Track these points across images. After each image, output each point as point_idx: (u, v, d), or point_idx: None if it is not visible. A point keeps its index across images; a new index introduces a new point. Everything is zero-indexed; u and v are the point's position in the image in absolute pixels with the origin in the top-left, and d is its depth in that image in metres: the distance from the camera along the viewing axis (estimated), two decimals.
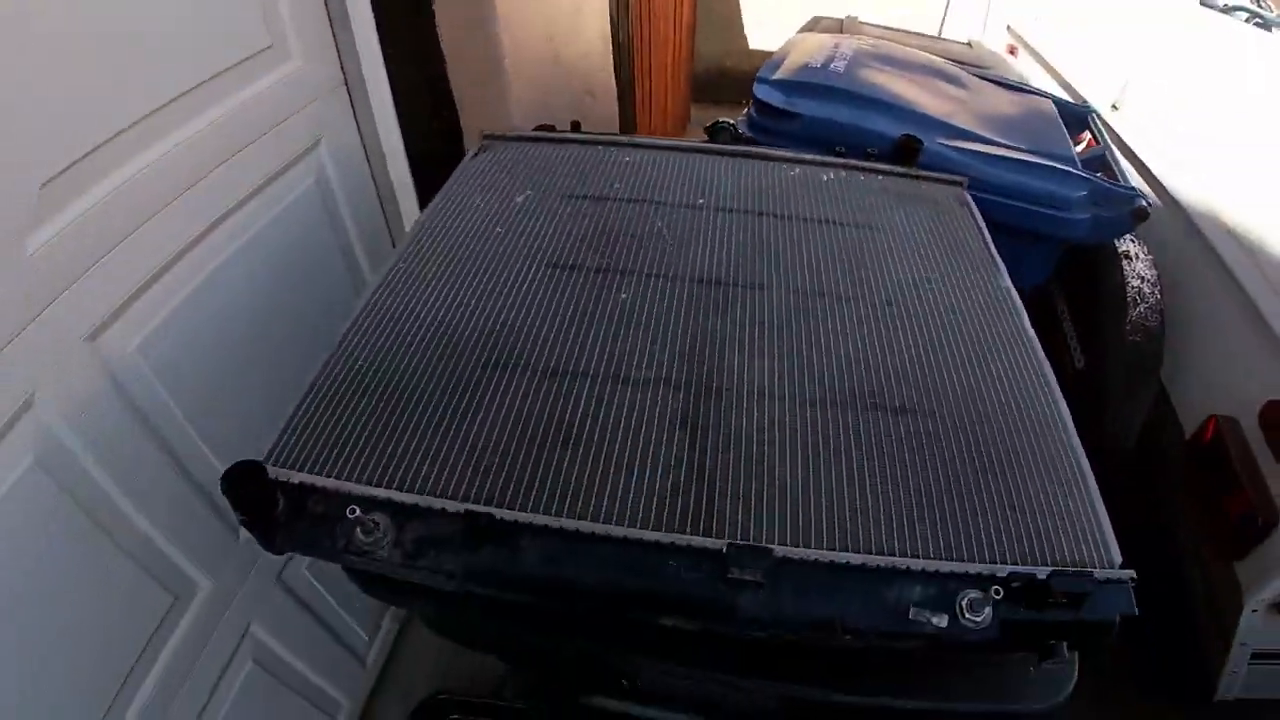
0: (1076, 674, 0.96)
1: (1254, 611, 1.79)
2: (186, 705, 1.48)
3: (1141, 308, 1.89)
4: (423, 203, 1.97)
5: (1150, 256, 2.03)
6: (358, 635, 2.12)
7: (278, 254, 1.61)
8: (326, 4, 1.64)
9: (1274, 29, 2.43)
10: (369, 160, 1.87)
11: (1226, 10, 2.41)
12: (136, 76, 1.22)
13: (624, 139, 1.67)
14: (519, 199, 1.46)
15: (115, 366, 1.24)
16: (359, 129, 1.82)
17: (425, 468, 0.95)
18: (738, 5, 5.51)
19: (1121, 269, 1.94)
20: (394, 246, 2.03)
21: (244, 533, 1.59)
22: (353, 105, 1.78)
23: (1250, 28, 2.50)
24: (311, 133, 1.66)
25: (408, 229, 1.96)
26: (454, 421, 1.01)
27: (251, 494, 0.89)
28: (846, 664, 0.96)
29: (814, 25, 2.56)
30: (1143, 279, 1.93)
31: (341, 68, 1.72)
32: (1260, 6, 2.77)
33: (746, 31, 5.57)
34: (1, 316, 1.02)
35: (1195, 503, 1.90)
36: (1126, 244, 2.03)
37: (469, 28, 1.79)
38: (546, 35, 2.07)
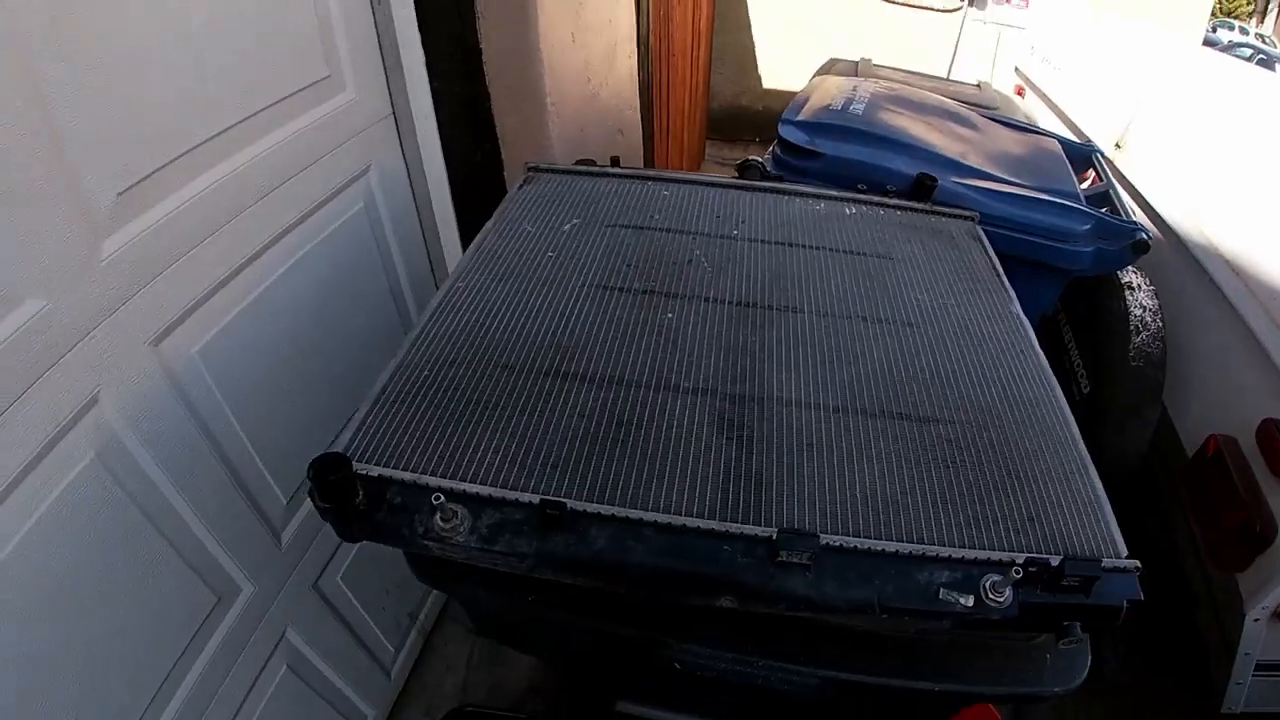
0: (1089, 661, 1.04)
1: (1256, 620, 1.85)
2: (222, 706, 1.53)
3: (1144, 335, 2.00)
4: (463, 230, 2.07)
5: (1152, 287, 2.14)
6: (385, 647, 2.18)
7: (327, 273, 1.70)
8: (379, 39, 1.75)
9: (1277, 66, 2.57)
10: (413, 189, 1.97)
11: (1230, 48, 2.56)
12: (211, 97, 1.31)
13: (662, 174, 1.78)
14: (566, 226, 1.56)
15: (176, 370, 1.32)
16: (405, 158, 1.92)
17: (495, 462, 1.04)
18: (751, 47, 5.72)
19: (1124, 299, 2.05)
20: (433, 271, 2.13)
21: (285, 538, 1.69)
22: (399, 136, 1.89)
23: (1251, 66, 2.63)
24: (362, 160, 1.77)
25: (447, 255, 2.08)
26: (519, 423, 1.10)
27: (336, 483, 0.97)
28: (880, 648, 1.04)
29: (830, 68, 2.70)
30: (1145, 308, 2.04)
31: (390, 100, 1.83)
32: (1264, 43, 2.90)
33: (760, 71, 5.77)
34: (74, 316, 1.09)
35: (1197, 518, 1.98)
36: (1129, 275, 2.14)
37: (514, 64, 1.91)
38: (584, 75, 2.20)
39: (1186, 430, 2.11)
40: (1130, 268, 2.13)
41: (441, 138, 1.92)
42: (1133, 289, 2.08)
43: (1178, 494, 2.05)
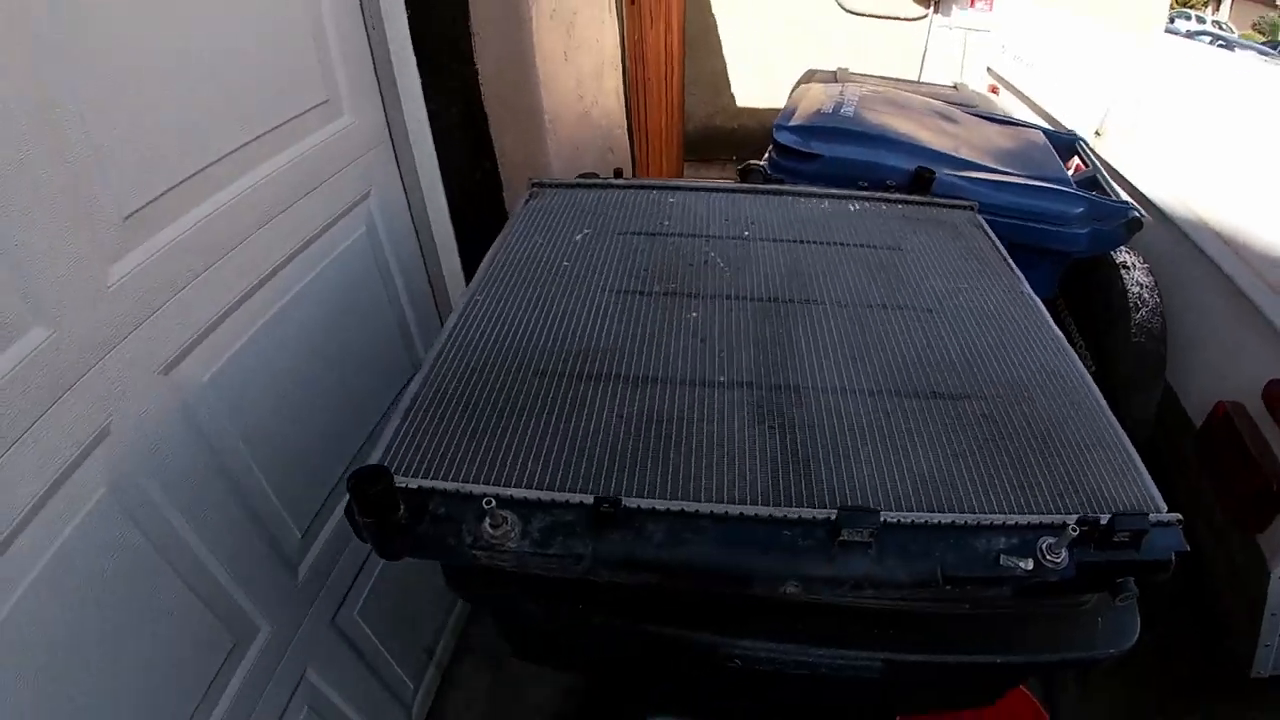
0: (1139, 622, 1.05)
1: None
2: None
3: (1143, 312, 2.04)
4: (463, 252, 2.06)
5: (1146, 265, 2.19)
6: (404, 684, 2.13)
7: (332, 299, 1.68)
8: (374, 63, 1.75)
9: (1236, 49, 2.67)
10: (412, 212, 1.96)
11: (1190, 36, 2.65)
12: (215, 120, 1.30)
13: (666, 183, 1.79)
14: (578, 237, 1.56)
15: (188, 400, 1.28)
16: (403, 182, 1.91)
17: (537, 468, 1.02)
18: (723, 68, 5.82)
19: (1121, 278, 2.09)
20: (433, 294, 2.11)
21: (302, 574, 1.64)
22: (397, 159, 1.88)
23: (1213, 49, 2.72)
24: (362, 185, 1.76)
25: (448, 277, 2.06)
26: (557, 427, 1.08)
27: (376, 496, 0.94)
28: (937, 627, 1.03)
29: (810, 78, 2.75)
30: (1142, 285, 2.09)
31: (388, 123, 1.83)
32: (1222, 29, 3.01)
33: (733, 91, 5.86)
34: (82, 345, 1.05)
35: (1212, 485, 2.01)
36: (1123, 255, 2.19)
37: (511, 82, 1.92)
38: (577, 93, 2.22)
39: (1192, 401, 2.14)
40: (1124, 248, 2.17)
41: (439, 159, 1.92)
42: (1128, 268, 2.12)
43: (1186, 466, 2.08)
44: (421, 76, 1.80)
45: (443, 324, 2.06)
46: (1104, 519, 0.95)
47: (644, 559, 0.93)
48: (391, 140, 1.84)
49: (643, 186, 1.80)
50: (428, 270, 2.06)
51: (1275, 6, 26.73)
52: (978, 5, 5.33)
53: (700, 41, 5.64)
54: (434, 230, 2.00)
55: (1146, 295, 2.09)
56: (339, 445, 1.75)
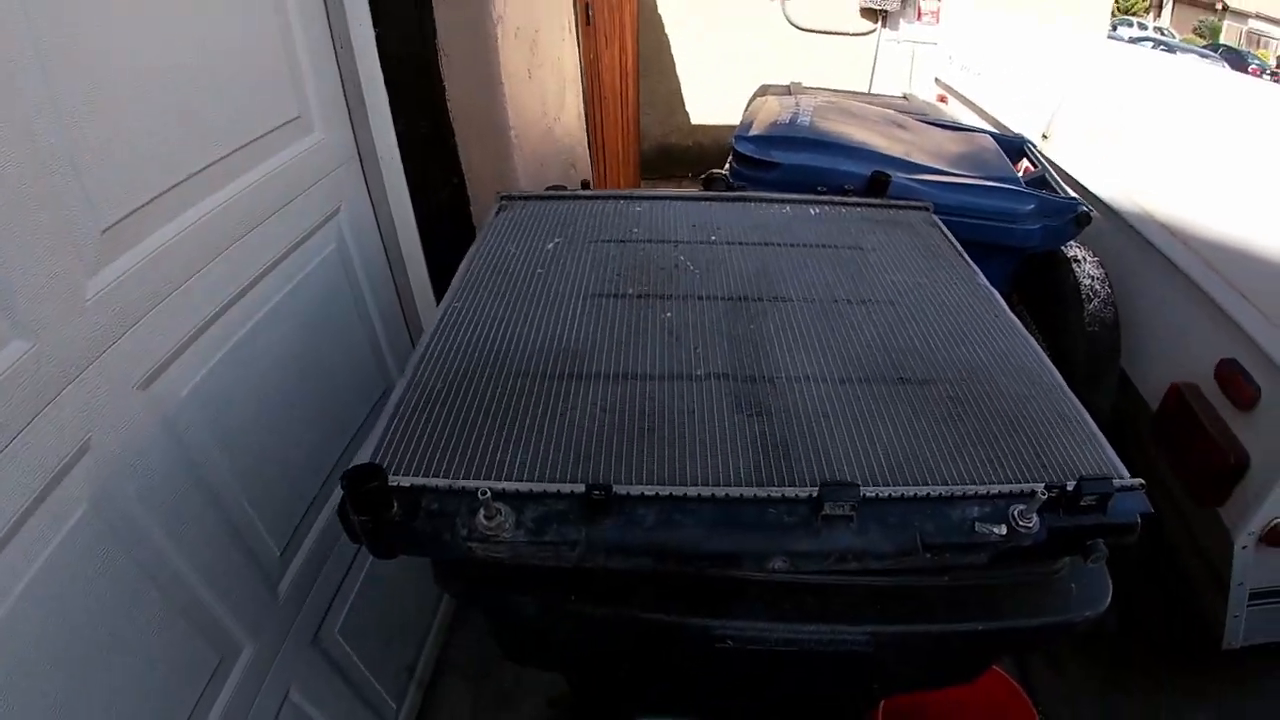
0: (1110, 585, 1.10)
1: (1244, 548, 1.96)
2: None
3: (1095, 303, 2.14)
4: (432, 267, 2.08)
5: (1096, 258, 2.29)
6: (387, 703, 2.11)
7: (305, 314, 1.69)
8: (343, 80, 1.78)
9: (1178, 52, 2.82)
10: (380, 228, 1.98)
11: (1133, 42, 2.80)
12: (192, 134, 1.31)
13: (633, 193, 1.84)
14: (550, 245, 1.60)
15: (167, 415, 1.28)
16: (371, 198, 1.93)
17: (526, 461, 1.04)
18: (677, 86, 5.94)
19: (1073, 271, 2.20)
20: (402, 309, 2.13)
21: (282, 591, 1.64)
22: (365, 176, 1.90)
23: (1155, 51, 2.86)
24: (332, 201, 1.77)
25: (416, 292, 2.08)
26: (542, 423, 1.11)
27: (371, 493, 0.95)
28: (920, 598, 1.07)
29: (764, 92, 2.84)
30: (1093, 278, 2.19)
31: (356, 140, 1.85)
32: (1163, 35, 3.17)
33: (688, 109, 5.98)
34: (61, 359, 1.05)
35: (1172, 463, 2.10)
36: (1073, 249, 2.29)
37: (478, 99, 1.96)
38: (541, 109, 2.27)
39: (1148, 386, 2.24)
40: (1074, 243, 2.28)
41: (407, 175, 1.94)
42: (1079, 261, 2.22)
43: (1145, 448, 2.17)
44: (390, 95, 1.83)
45: (412, 339, 2.08)
46: (1070, 485, 1.01)
47: (636, 543, 0.96)
48: (360, 157, 1.86)
49: (610, 197, 1.84)
50: (397, 286, 2.07)
51: (1215, 11, 28.06)
52: (924, 18, 5.56)
53: (654, 61, 5.76)
54: (403, 246, 2.02)
55: (1098, 286, 2.19)
56: (316, 459, 1.75)
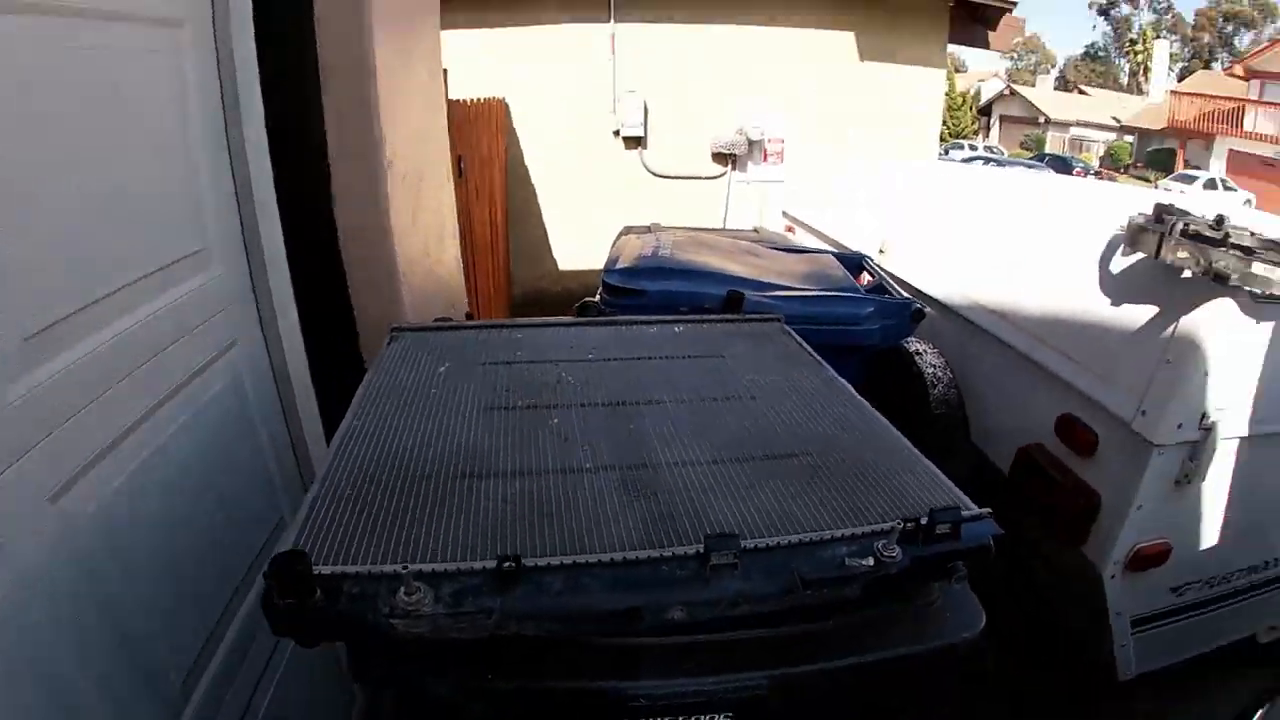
0: (981, 608, 1.27)
1: (1113, 577, 2.17)
2: None
3: (940, 387, 2.45)
4: (322, 401, 2.14)
5: (936, 349, 2.63)
6: None
7: (205, 440, 1.73)
8: (241, 219, 1.90)
9: (1007, 165, 3.37)
10: (272, 363, 2.05)
11: (966, 162, 3.31)
12: (108, 256, 1.41)
13: (515, 321, 2.03)
14: (441, 369, 1.74)
15: (76, 528, 1.29)
16: (264, 333, 2.01)
17: (436, 548, 1.13)
18: (545, 235, 6.33)
19: (916, 363, 2.51)
20: (293, 444, 2.16)
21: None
22: (259, 311, 1.99)
23: (978, 167, 3.39)
24: (230, 333, 1.85)
25: (306, 426, 2.13)
26: (449, 517, 1.21)
27: (296, 578, 1.01)
28: (812, 639, 1.20)
29: (627, 232, 3.15)
30: (934, 366, 2.52)
31: (251, 276, 1.96)
32: (992, 153, 3.76)
33: (555, 256, 6.35)
34: None
35: (1031, 518, 2.33)
36: (915, 344, 2.62)
37: (367, 239, 2.11)
38: (425, 250, 2.43)
39: (999, 453, 2.52)
40: (915, 339, 2.61)
41: (300, 311, 2.04)
42: (920, 354, 2.55)
43: (1005, 511, 2.41)
44: (285, 234, 1.96)
45: (302, 471, 2.11)
46: (925, 519, 1.19)
47: (547, 608, 1.06)
48: (255, 293, 1.96)
49: (494, 326, 2.02)
50: (287, 420, 2.12)
51: (1038, 125, 32.25)
52: (770, 159, 6.28)
53: (523, 212, 6.16)
54: (294, 381, 2.08)
55: (940, 373, 2.51)
56: (215, 588, 1.74)
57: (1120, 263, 2.28)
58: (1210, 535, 2.31)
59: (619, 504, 1.26)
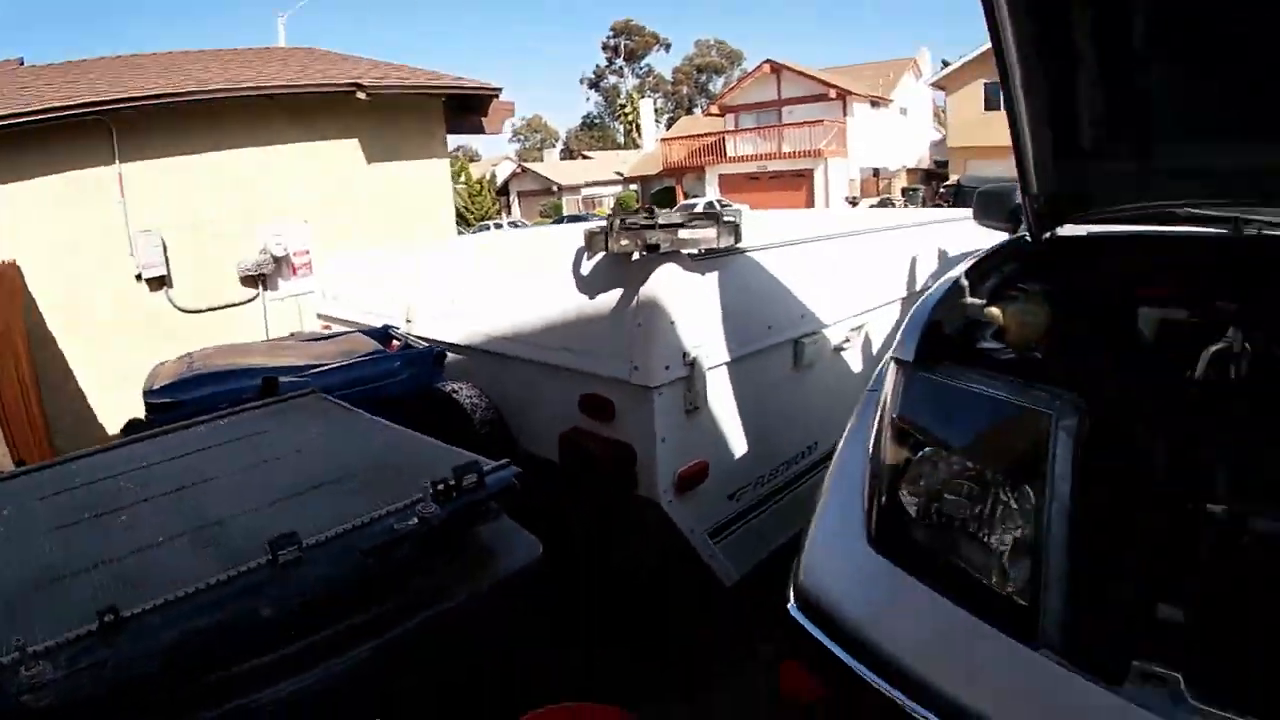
0: (533, 538, 1.74)
1: (670, 502, 2.55)
2: None
3: (480, 413, 2.99)
4: None
5: (473, 384, 3.13)
6: None
7: None
8: None
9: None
10: None
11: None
12: None
13: (64, 456, 2.17)
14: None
15: None
16: None
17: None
18: (84, 400, 5.78)
19: (454, 399, 3.02)
20: None
21: None
22: None
23: (476, 235, 4.10)
24: None
25: None
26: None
27: None
28: (392, 615, 1.52)
29: (159, 367, 3.25)
30: (471, 397, 3.03)
31: None
32: (516, 225, 4.38)
33: (100, 420, 5.74)
34: None
35: (590, 489, 2.73)
36: (450, 386, 3.10)
37: None
38: None
39: (549, 449, 2.87)
40: (451, 382, 3.12)
41: None
42: (457, 390, 3.06)
43: (579, 492, 2.82)
44: None
45: None
46: (452, 480, 1.62)
47: (155, 644, 1.29)
48: None
49: (42, 467, 2.18)
50: None
51: (551, 193, 35.52)
52: (300, 272, 6.49)
53: (53, 377, 5.59)
54: None
55: (478, 401, 3.02)
56: None
57: (587, 265, 2.80)
58: (737, 445, 2.81)
59: (196, 555, 1.55)
